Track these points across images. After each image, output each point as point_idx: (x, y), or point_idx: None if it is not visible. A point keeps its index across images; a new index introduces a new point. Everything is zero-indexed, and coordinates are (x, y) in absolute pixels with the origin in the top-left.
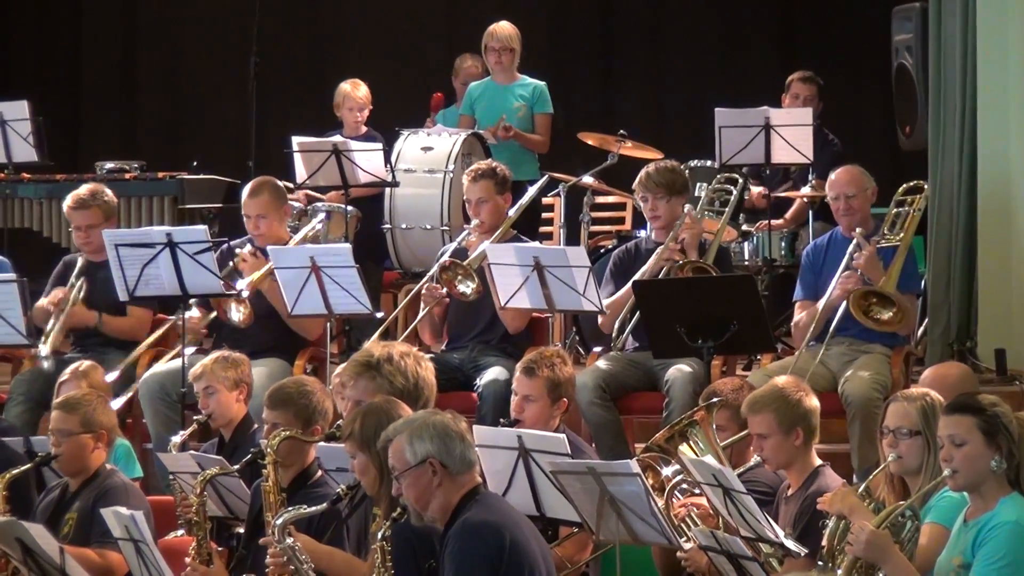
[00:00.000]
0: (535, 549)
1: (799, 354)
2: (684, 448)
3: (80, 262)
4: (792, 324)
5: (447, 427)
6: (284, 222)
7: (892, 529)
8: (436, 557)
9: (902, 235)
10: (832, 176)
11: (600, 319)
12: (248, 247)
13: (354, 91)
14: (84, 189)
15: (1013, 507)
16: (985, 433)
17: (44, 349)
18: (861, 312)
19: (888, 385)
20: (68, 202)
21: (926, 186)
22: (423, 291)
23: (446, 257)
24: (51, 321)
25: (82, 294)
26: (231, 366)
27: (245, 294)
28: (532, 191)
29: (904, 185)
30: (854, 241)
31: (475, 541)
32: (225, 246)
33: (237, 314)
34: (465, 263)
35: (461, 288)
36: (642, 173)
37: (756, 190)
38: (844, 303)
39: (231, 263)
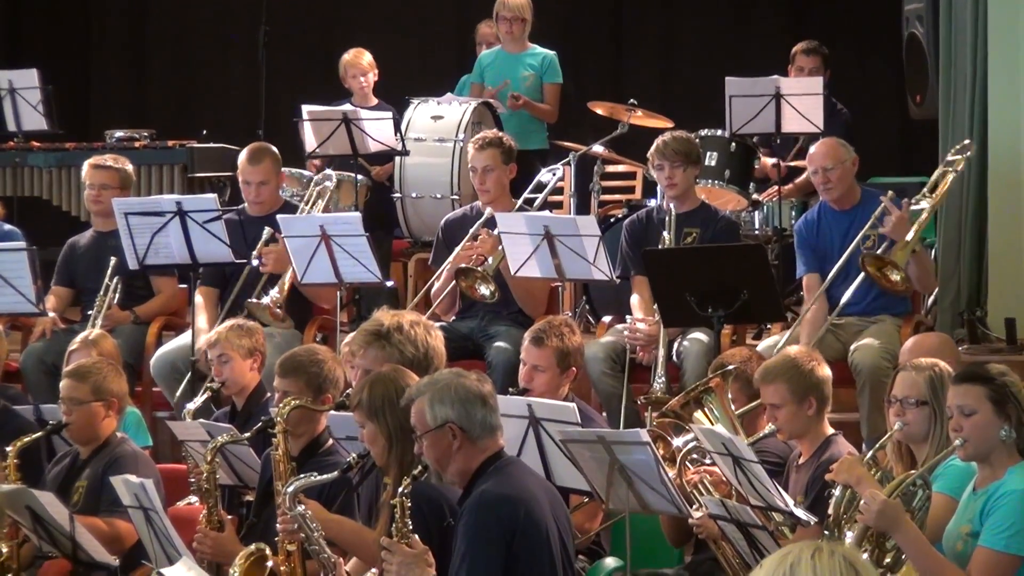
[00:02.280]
0: (550, 521)
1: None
2: (699, 415)
3: (112, 261)
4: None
5: (469, 391)
6: (280, 189)
7: (903, 498)
8: (446, 520)
9: (932, 199)
10: (811, 150)
11: None
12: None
13: (356, 59)
14: (110, 156)
15: (1021, 476)
16: (994, 403)
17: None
18: (876, 270)
19: (897, 354)
20: (89, 161)
21: (971, 150)
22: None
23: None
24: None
25: (117, 297)
26: (246, 334)
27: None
28: (550, 186)
29: (956, 146)
30: (881, 205)
31: (489, 516)
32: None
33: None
34: (482, 268)
35: (481, 291)
36: (658, 141)
37: (768, 161)
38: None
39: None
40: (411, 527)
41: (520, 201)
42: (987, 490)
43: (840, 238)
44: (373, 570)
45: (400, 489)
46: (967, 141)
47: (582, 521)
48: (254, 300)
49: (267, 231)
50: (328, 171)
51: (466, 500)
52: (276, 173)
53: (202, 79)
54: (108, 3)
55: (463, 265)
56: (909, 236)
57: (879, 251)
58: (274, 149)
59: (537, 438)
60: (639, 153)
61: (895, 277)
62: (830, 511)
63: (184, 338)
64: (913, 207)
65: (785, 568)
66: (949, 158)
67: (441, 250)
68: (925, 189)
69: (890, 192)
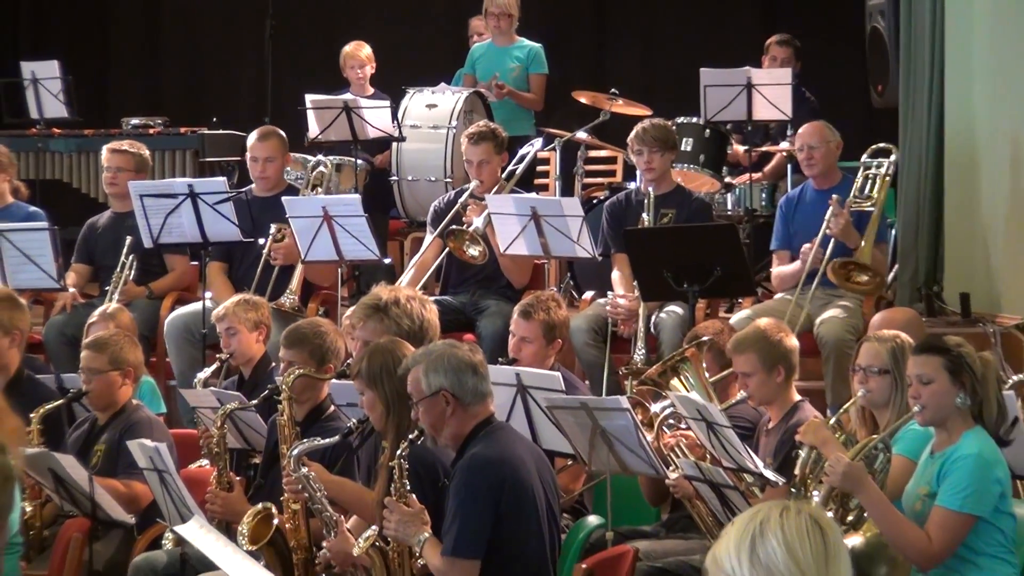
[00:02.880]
0: (537, 483)
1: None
2: (675, 382)
3: (128, 240)
4: (773, 276)
5: (461, 360)
6: (283, 170)
7: (866, 461)
8: (440, 481)
9: (874, 200)
10: (800, 130)
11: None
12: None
13: (356, 51)
14: (127, 141)
15: (975, 440)
16: (951, 372)
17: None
18: (842, 279)
19: (860, 327)
20: (107, 146)
21: (894, 150)
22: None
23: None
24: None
25: (132, 274)
26: (252, 308)
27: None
28: (527, 160)
29: (872, 147)
30: (830, 209)
31: (479, 476)
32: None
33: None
34: (471, 229)
35: (470, 252)
36: (638, 128)
37: (740, 148)
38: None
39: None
40: (409, 487)
41: (506, 179)
42: (944, 453)
43: (816, 215)
44: (372, 527)
45: (398, 452)
46: (886, 144)
47: (566, 482)
48: (274, 304)
49: (274, 227)
50: (322, 157)
51: (458, 462)
52: (282, 153)
53: (213, 70)
54: None
55: (453, 227)
56: (864, 240)
57: (826, 255)
58: (281, 132)
59: (525, 405)
60: (620, 139)
61: (863, 278)
62: (796, 470)
63: (196, 305)
64: (854, 208)
65: (755, 526)
66: (865, 159)
67: (430, 231)
68: (854, 190)
69: (835, 196)
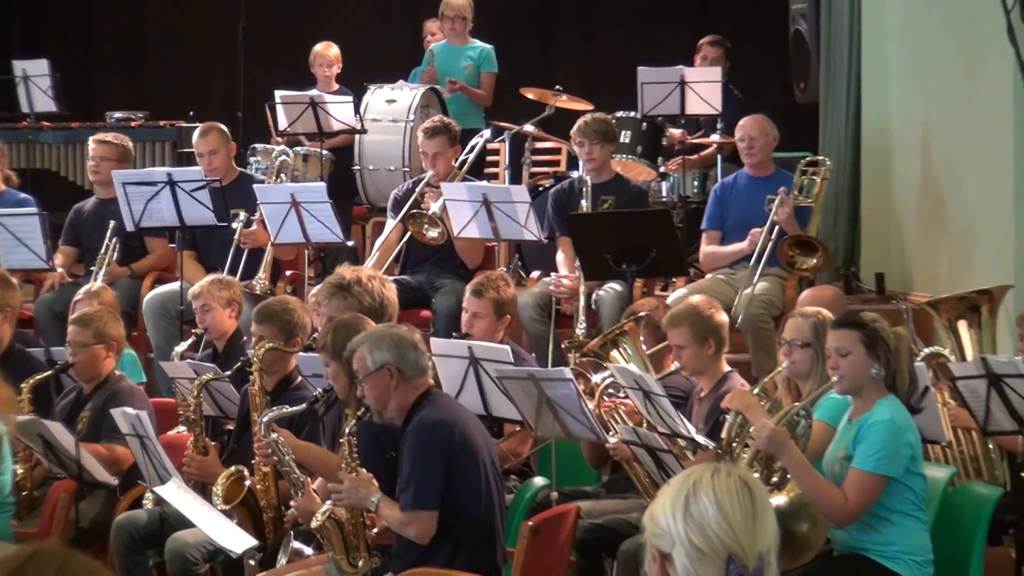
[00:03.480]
0: (480, 442)
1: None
2: (615, 354)
3: (112, 224)
4: (700, 251)
5: (402, 338)
6: (231, 159)
7: (788, 426)
8: (396, 449)
9: (813, 197)
10: (741, 122)
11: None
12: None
13: (325, 51)
14: (111, 134)
15: (888, 407)
16: (866, 345)
17: (95, 285)
18: (788, 264)
19: (780, 304)
20: (93, 137)
21: (828, 161)
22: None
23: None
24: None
25: (115, 255)
26: (224, 287)
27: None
28: (477, 149)
29: (807, 158)
30: (778, 198)
31: (429, 437)
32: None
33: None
34: (429, 213)
35: (429, 234)
36: (580, 122)
37: (675, 132)
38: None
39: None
40: (358, 460)
41: (459, 167)
42: (860, 420)
43: (749, 200)
44: (328, 502)
45: (346, 429)
46: (821, 157)
47: (515, 446)
48: (245, 287)
49: (243, 215)
50: (284, 147)
51: (407, 428)
52: (224, 144)
53: (189, 68)
54: (109, 1)
55: (412, 212)
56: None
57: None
58: (221, 126)
59: (476, 375)
60: (564, 132)
61: (812, 262)
62: (723, 435)
63: (173, 284)
64: (796, 204)
65: (688, 486)
66: (801, 168)
67: (390, 217)
68: (794, 189)
69: (783, 188)
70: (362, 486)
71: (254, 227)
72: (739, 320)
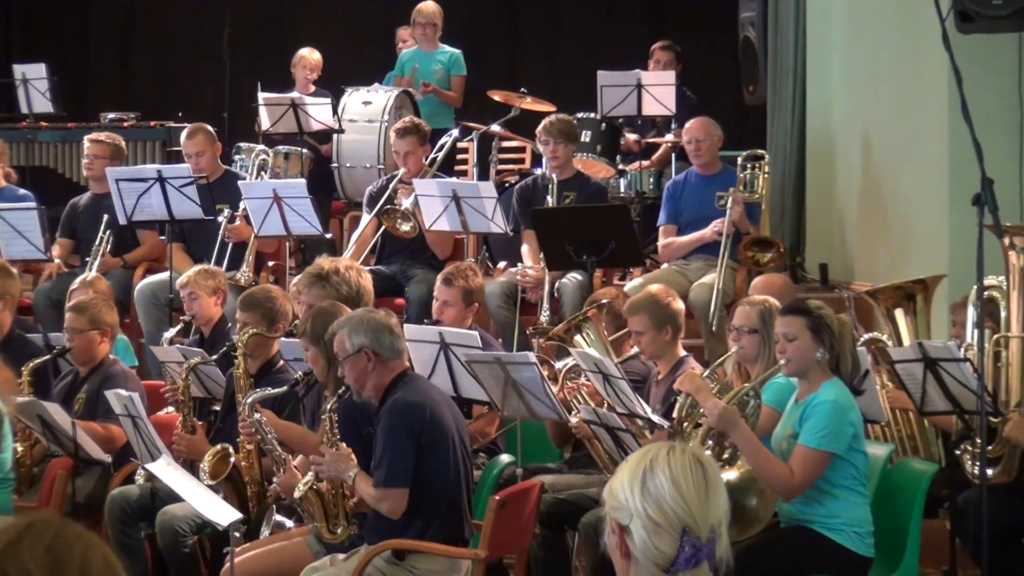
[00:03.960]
0: (450, 423)
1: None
2: (578, 339)
3: (105, 218)
4: (659, 244)
5: (379, 322)
6: (216, 158)
7: (739, 406)
8: (372, 426)
9: (759, 193)
10: (687, 125)
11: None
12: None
13: (308, 56)
14: (105, 133)
15: (832, 389)
16: (812, 330)
17: (90, 275)
18: (752, 263)
19: (731, 292)
20: (88, 136)
21: (766, 155)
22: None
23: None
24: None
25: (108, 247)
26: (211, 276)
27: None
28: (446, 148)
29: (745, 152)
30: (730, 200)
31: (402, 418)
32: None
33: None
34: (402, 208)
35: (402, 228)
36: (545, 122)
37: (631, 137)
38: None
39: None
40: (338, 435)
41: (429, 165)
42: (806, 400)
43: (700, 197)
44: (310, 473)
45: (328, 406)
46: (759, 151)
47: (483, 426)
48: (230, 279)
49: (227, 211)
50: (264, 147)
51: (382, 408)
52: (210, 144)
53: (178, 72)
54: (103, 10)
55: (387, 207)
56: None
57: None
58: (207, 127)
59: (447, 359)
60: (528, 132)
61: (768, 256)
62: (675, 414)
63: (163, 274)
64: (745, 201)
65: (645, 463)
66: (742, 163)
67: (366, 211)
68: (740, 185)
69: (732, 188)
70: (341, 460)
71: (237, 222)
72: (691, 305)
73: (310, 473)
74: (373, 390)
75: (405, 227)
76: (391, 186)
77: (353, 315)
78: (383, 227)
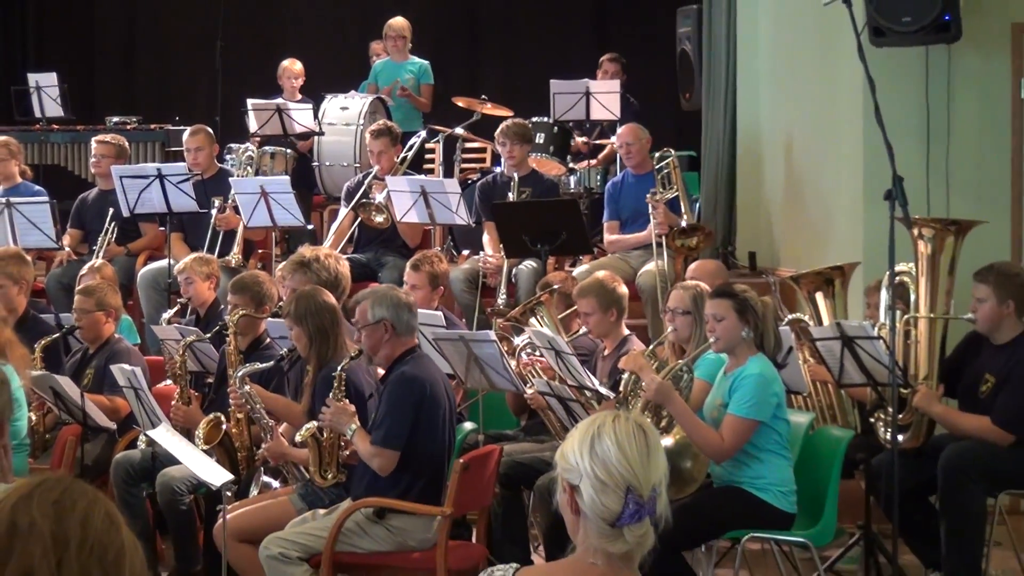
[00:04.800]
0: (444, 399)
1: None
2: (533, 320)
3: (111, 211)
4: (605, 240)
5: (400, 300)
6: (213, 157)
7: (673, 380)
8: (370, 393)
9: (675, 188)
10: (619, 131)
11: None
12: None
13: (291, 66)
14: (110, 135)
15: (757, 363)
16: (738, 312)
17: (97, 262)
18: (679, 251)
19: (673, 278)
20: (95, 138)
21: (673, 152)
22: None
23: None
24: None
25: (114, 237)
26: (205, 263)
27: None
28: (414, 148)
29: (656, 153)
30: (659, 208)
31: (406, 389)
32: None
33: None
34: (376, 202)
35: (376, 219)
36: (503, 126)
37: (580, 139)
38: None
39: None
40: (344, 393)
41: (400, 163)
42: (734, 373)
43: (636, 195)
44: (312, 423)
45: (339, 367)
46: (666, 149)
47: None
48: (221, 261)
49: (217, 202)
50: (251, 146)
51: (388, 377)
52: (209, 144)
53: (175, 80)
54: (108, 25)
55: (362, 201)
56: (684, 216)
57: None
58: (208, 128)
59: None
60: (489, 134)
61: (693, 241)
62: (620, 388)
63: (162, 261)
64: (667, 198)
65: (593, 430)
66: (657, 164)
67: (344, 205)
68: (658, 184)
69: (652, 190)
70: (345, 415)
71: (227, 212)
72: (639, 289)
73: (312, 423)
74: (384, 359)
75: (378, 219)
76: (366, 182)
77: (378, 289)
78: (359, 219)
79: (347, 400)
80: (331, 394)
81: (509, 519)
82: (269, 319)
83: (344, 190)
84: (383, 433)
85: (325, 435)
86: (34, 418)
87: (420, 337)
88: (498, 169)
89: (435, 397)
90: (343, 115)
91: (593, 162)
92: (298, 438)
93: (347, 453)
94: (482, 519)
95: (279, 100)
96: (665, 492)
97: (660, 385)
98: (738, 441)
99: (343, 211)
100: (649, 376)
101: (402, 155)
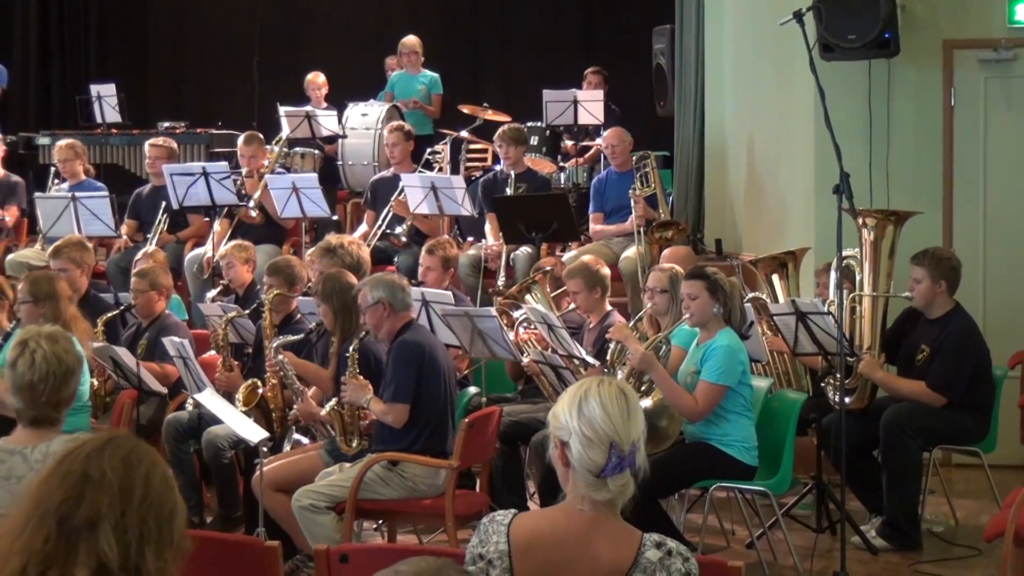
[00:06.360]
0: (442, 360)
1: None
2: (529, 297)
3: (163, 204)
4: (591, 229)
5: (393, 282)
6: (263, 159)
7: (654, 350)
8: (381, 362)
9: (653, 185)
10: (604, 134)
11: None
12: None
13: (315, 79)
14: (162, 138)
15: (726, 336)
16: (710, 291)
17: (151, 248)
18: (656, 242)
19: (650, 261)
20: (149, 141)
21: (651, 154)
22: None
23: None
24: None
25: (165, 227)
26: (243, 249)
27: (254, 213)
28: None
29: (636, 155)
30: (639, 203)
31: (407, 351)
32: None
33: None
34: (397, 232)
35: (400, 236)
36: (500, 130)
37: (569, 141)
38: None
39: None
40: (358, 369)
41: (418, 165)
42: (705, 344)
43: (619, 190)
44: (334, 398)
45: (351, 347)
46: (646, 152)
47: (455, 364)
48: (241, 214)
49: (252, 201)
50: (296, 148)
51: (392, 347)
52: (260, 151)
53: (218, 89)
54: (159, 40)
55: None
56: (660, 211)
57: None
58: (260, 135)
59: (428, 314)
60: (490, 136)
61: (669, 234)
62: (607, 357)
63: (206, 249)
64: (646, 195)
65: (581, 393)
66: (635, 165)
67: (369, 198)
68: (637, 181)
69: (632, 186)
70: (361, 388)
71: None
72: (621, 271)
73: (334, 399)
74: (386, 334)
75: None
76: (393, 198)
77: (374, 276)
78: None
79: (365, 372)
80: (347, 372)
81: (508, 471)
82: (300, 297)
83: (369, 184)
84: (392, 390)
85: (346, 408)
86: (96, 383)
87: (431, 313)
88: (498, 167)
89: (433, 359)
90: (363, 120)
91: (580, 161)
92: (323, 413)
93: (366, 423)
94: (484, 471)
95: (308, 108)
96: (643, 447)
97: (644, 355)
98: (710, 404)
99: (371, 204)
100: (634, 346)
101: (419, 169)
